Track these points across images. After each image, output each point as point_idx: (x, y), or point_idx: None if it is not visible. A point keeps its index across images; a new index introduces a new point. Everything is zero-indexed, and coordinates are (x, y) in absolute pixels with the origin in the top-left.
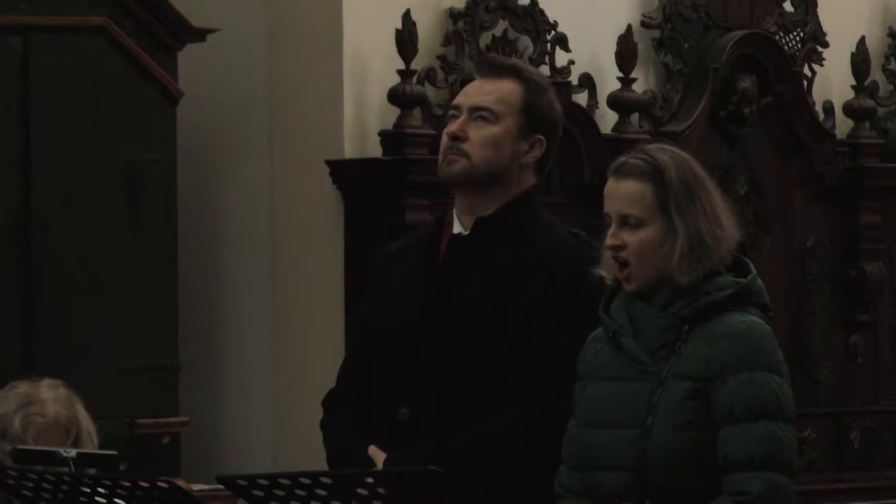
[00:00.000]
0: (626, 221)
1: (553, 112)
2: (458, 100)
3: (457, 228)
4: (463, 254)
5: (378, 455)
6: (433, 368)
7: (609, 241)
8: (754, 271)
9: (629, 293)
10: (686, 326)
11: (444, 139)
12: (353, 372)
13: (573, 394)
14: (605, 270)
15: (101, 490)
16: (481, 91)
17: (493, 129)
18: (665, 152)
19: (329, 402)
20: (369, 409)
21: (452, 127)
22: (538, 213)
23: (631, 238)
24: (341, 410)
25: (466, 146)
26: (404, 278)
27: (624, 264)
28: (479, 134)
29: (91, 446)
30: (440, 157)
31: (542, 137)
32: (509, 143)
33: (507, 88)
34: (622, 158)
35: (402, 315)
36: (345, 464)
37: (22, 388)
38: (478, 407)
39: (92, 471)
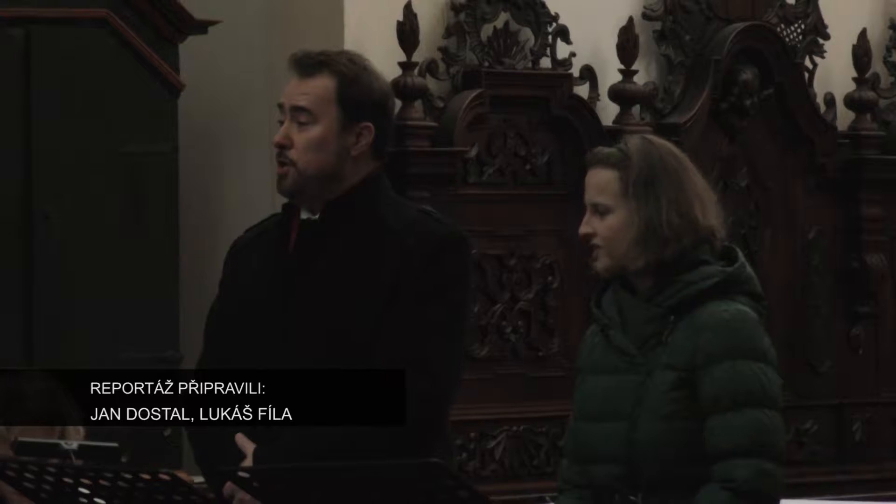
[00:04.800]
0: (596, 209)
1: (373, 94)
2: (281, 99)
3: (304, 215)
4: (315, 238)
5: (247, 445)
6: (300, 352)
7: (581, 229)
8: (741, 259)
9: (618, 284)
10: (672, 317)
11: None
12: (214, 366)
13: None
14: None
15: (102, 482)
16: (298, 91)
17: (314, 131)
18: (639, 139)
19: None
20: None
21: (277, 137)
22: (387, 195)
23: (600, 226)
24: None
25: (292, 153)
26: (257, 269)
27: (593, 249)
28: (301, 139)
29: (77, 439)
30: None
31: (368, 124)
32: (333, 140)
33: (320, 85)
34: (597, 147)
35: (261, 304)
36: (220, 456)
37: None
38: None
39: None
